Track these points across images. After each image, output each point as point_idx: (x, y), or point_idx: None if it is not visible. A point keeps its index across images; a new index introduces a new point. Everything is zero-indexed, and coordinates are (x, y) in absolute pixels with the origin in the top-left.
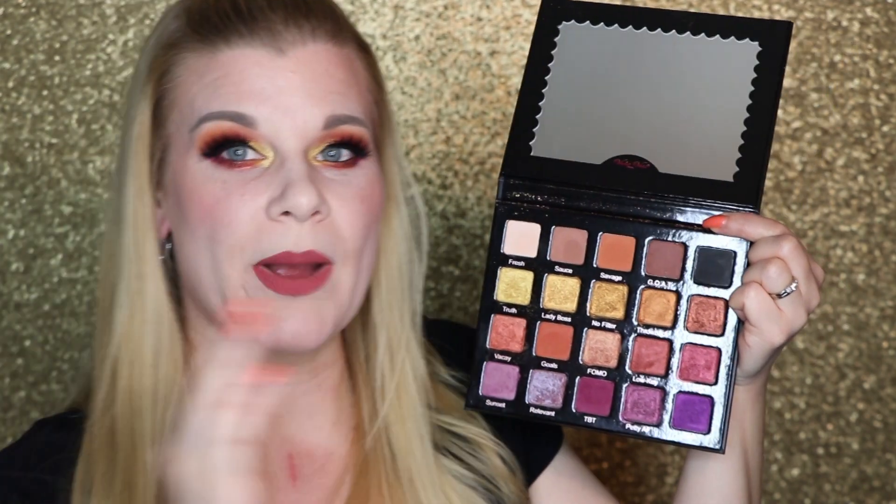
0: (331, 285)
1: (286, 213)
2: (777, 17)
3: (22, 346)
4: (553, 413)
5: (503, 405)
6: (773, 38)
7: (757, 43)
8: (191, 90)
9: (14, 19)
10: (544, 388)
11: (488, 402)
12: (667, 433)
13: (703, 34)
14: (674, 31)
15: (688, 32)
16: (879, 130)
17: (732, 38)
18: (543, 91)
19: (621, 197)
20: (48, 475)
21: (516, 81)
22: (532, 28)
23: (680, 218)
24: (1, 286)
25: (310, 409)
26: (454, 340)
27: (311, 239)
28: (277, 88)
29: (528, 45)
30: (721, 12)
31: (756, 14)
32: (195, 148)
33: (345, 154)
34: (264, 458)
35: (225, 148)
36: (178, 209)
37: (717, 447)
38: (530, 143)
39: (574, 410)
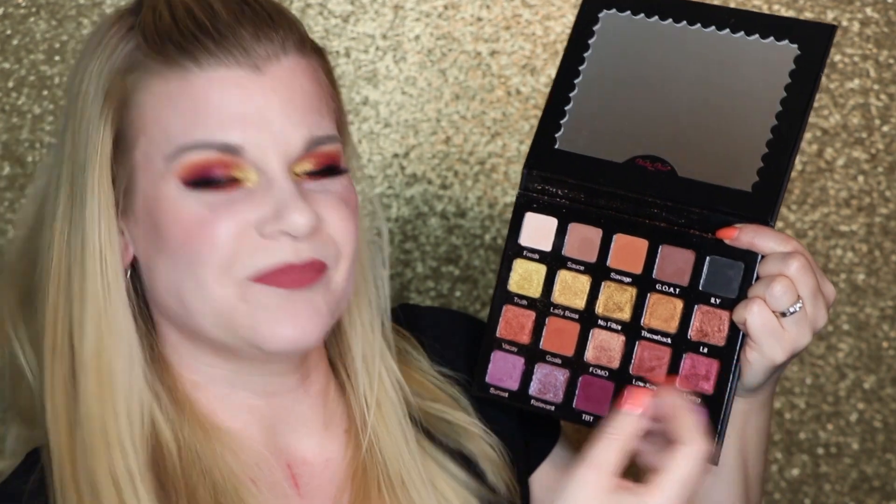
0: (325, 281)
1: (283, 232)
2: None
3: None
4: (553, 407)
5: (506, 394)
6: (813, 41)
7: (796, 46)
8: (162, 117)
9: (14, 19)
10: (547, 382)
11: (492, 390)
12: None
13: (742, 32)
14: (713, 27)
15: (727, 30)
16: (879, 130)
17: (772, 38)
18: (576, 82)
19: (639, 198)
20: None
21: (517, 81)
22: (532, 28)
23: (694, 225)
24: None
25: (302, 417)
26: (450, 332)
27: (310, 249)
28: (259, 110)
29: (528, 46)
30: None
31: None
32: (174, 177)
33: (324, 171)
34: (269, 472)
35: (209, 176)
36: (153, 237)
37: (710, 459)
38: (556, 135)
39: (574, 407)
